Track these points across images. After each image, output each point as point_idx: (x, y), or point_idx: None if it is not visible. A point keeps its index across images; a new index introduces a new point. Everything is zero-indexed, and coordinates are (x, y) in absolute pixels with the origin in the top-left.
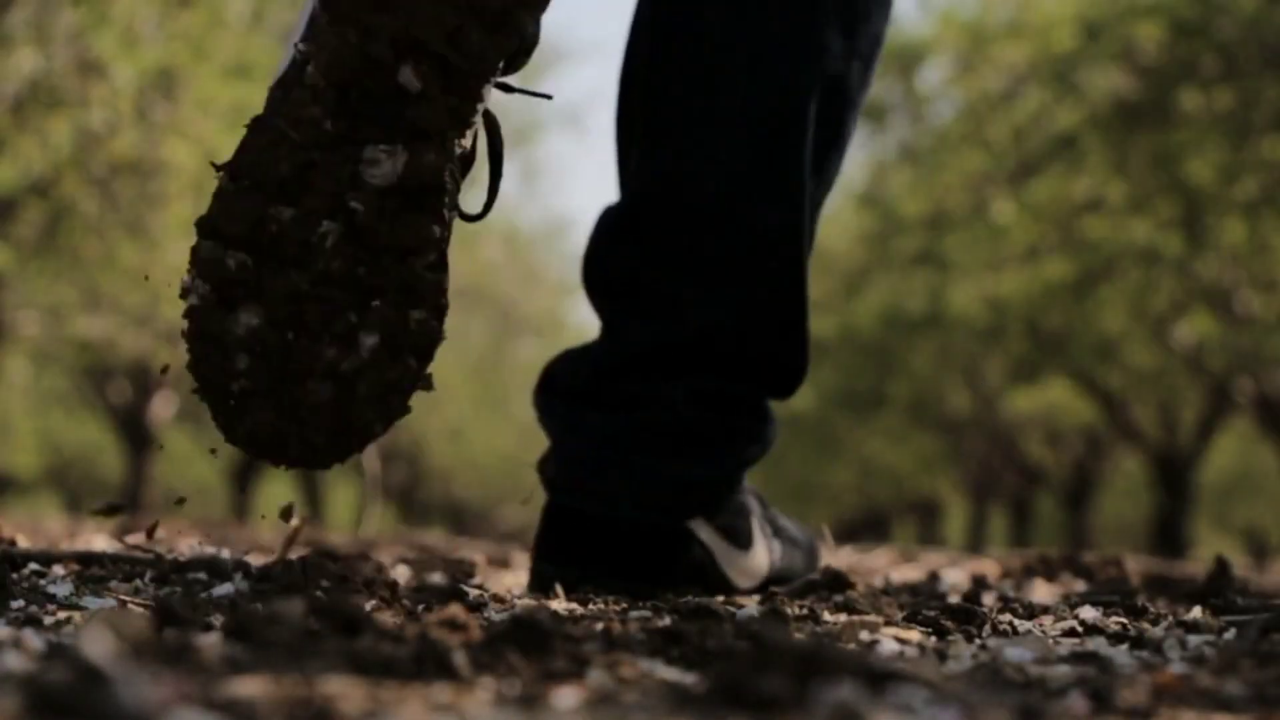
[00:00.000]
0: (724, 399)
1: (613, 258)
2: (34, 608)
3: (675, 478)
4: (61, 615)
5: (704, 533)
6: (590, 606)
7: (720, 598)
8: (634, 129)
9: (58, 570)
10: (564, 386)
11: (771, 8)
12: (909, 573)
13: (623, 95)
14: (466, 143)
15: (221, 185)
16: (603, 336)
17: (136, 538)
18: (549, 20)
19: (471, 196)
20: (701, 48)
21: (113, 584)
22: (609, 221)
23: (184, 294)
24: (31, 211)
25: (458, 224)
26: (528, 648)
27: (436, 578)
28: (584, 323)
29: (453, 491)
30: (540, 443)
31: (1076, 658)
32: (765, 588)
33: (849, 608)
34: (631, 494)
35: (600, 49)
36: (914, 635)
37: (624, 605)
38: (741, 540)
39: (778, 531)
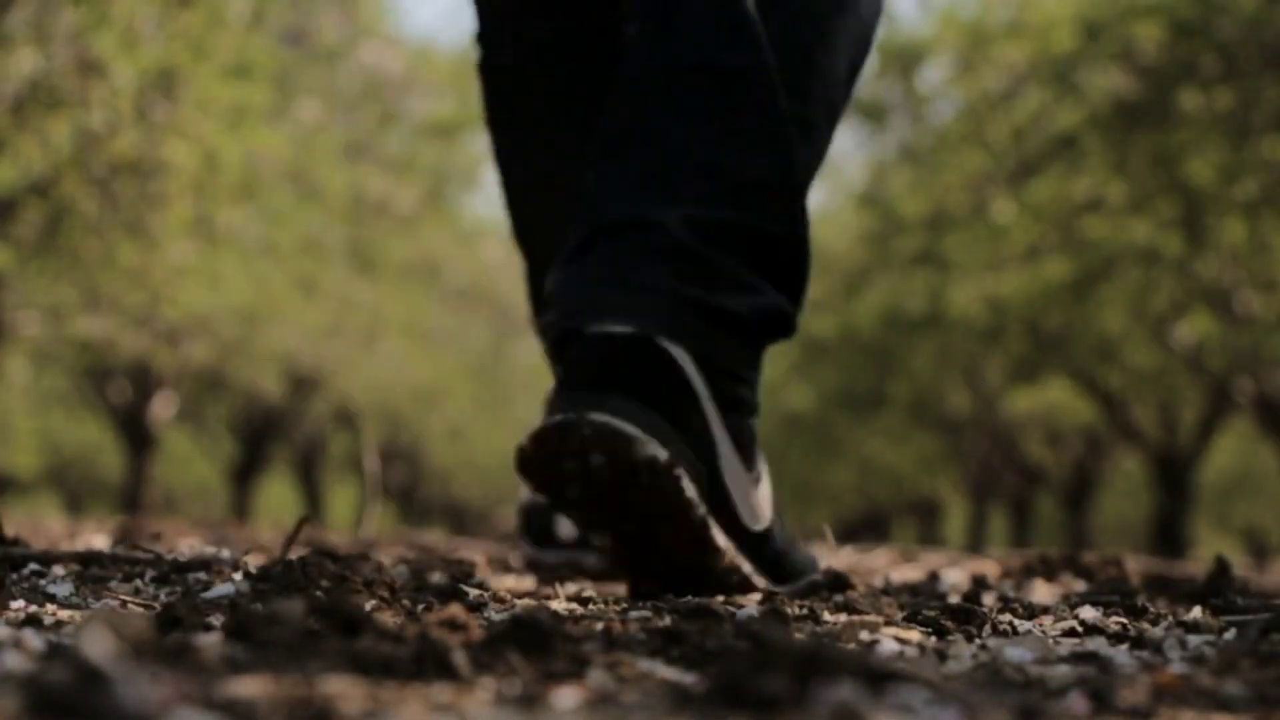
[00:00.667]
0: (720, 227)
1: (606, 112)
2: (34, 608)
3: (674, 292)
4: (61, 615)
5: (709, 409)
6: (590, 606)
7: (720, 598)
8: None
9: (58, 570)
10: (563, 252)
11: None
12: (909, 573)
13: None
14: None
15: None
16: (589, 193)
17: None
18: None
19: (472, 196)
20: None
21: (113, 584)
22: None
23: None
24: (31, 211)
25: (457, 225)
26: (528, 648)
27: (436, 578)
28: None
29: (453, 491)
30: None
31: (1076, 658)
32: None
33: (849, 608)
34: (629, 307)
35: None
36: (914, 635)
37: (624, 605)
38: (748, 455)
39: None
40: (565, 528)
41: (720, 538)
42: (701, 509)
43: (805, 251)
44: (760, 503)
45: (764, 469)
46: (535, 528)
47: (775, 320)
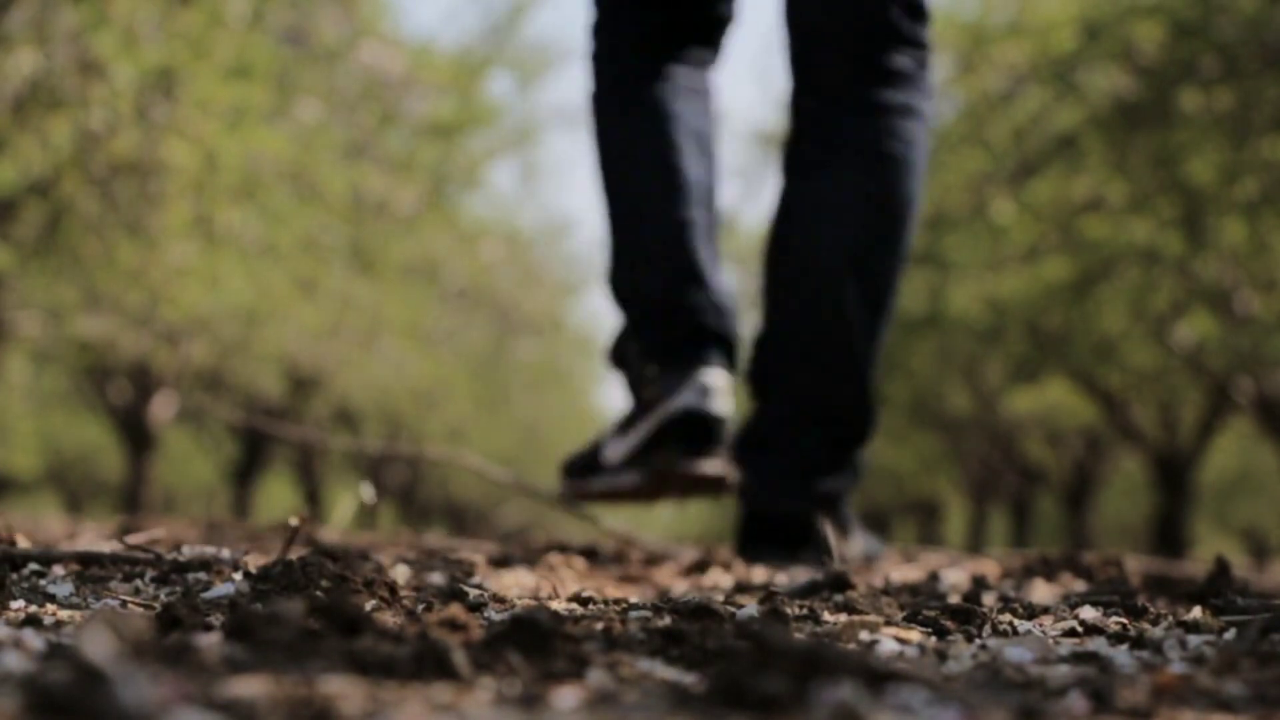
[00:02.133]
0: (834, 445)
1: (761, 363)
2: (34, 608)
3: (815, 491)
4: (61, 615)
5: (826, 526)
6: (590, 607)
7: (720, 598)
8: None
9: (58, 570)
10: (745, 438)
11: (840, 224)
12: (909, 573)
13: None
14: None
15: None
16: (761, 407)
17: (137, 538)
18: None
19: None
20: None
21: (113, 584)
22: (759, 342)
23: None
24: (31, 211)
25: (457, 225)
26: (528, 648)
27: (436, 578)
28: (583, 323)
29: (453, 491)
30: (538, 442)
31: (1076, 658)
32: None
33: (849, 608)
34: (790, 497)
35: None
36: (914, 635)
37: (624, 605)
38: (847, 531)
39: (863, 530)
40: (610, 453)
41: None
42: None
43: (873, 428)
44: (854, 546)
45: (856, 528)
46: (578, 466)
47: (860, 471)
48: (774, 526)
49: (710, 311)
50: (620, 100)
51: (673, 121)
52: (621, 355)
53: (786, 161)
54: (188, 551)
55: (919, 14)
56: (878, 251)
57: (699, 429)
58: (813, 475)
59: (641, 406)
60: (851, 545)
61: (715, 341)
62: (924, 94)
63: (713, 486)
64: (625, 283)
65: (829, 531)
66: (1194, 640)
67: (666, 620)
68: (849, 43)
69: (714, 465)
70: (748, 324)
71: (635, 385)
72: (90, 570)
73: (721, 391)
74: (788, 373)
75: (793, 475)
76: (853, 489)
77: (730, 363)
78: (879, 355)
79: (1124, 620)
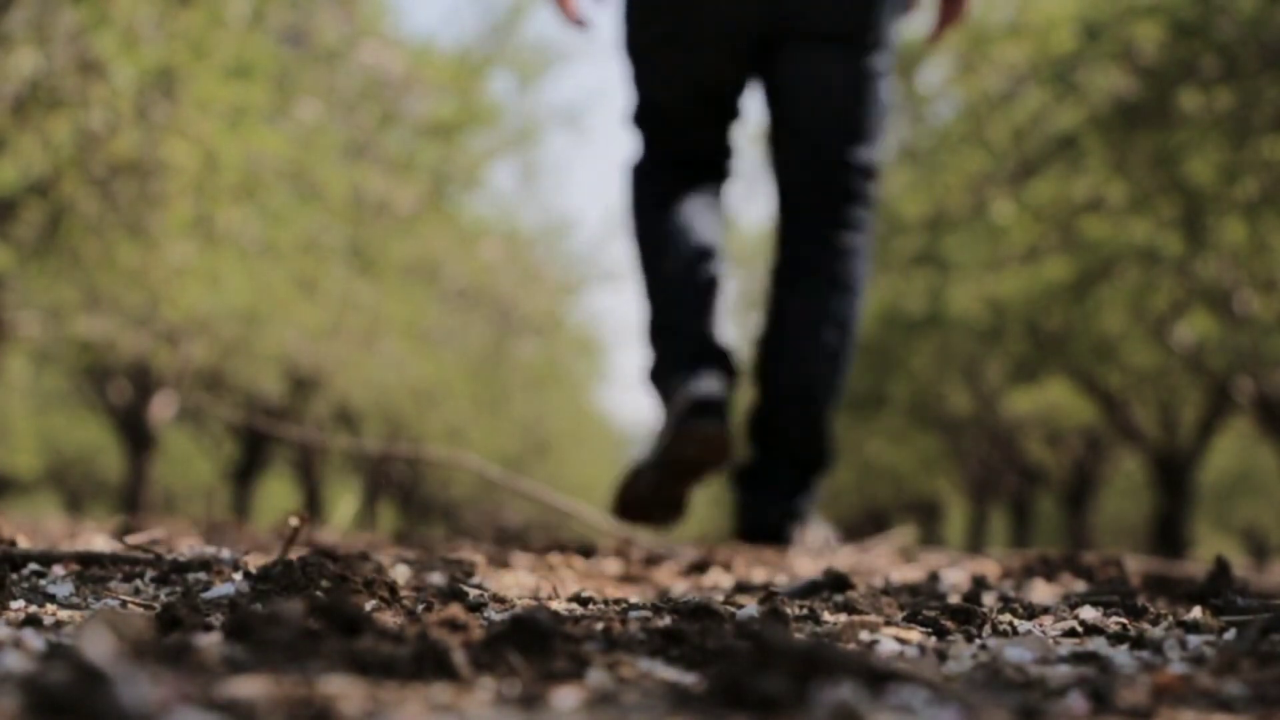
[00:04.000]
0: (803, 478)
1: (757, 422)
2: (34, 608)
3: (789, 511)
4: (61, 615)
5: (795, 528)
6: (590, 607)
7: (720, 598)
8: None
9: (58, 570)
10: (745, 473)
11: (822, 330)
12: (909, 573)
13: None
14: None
15: None
16: (756, 454)
17: (137, 538)
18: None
19: (473, 196)
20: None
21: (113, 584)
22: (757, 407)
23: None
24: (31, 211)
25: (457, 225)
26: (528, 648)
27: (436, 578)
28: (583, 323)
29: (453, 491)
30: (536, 441)
31: (1076, 658)
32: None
33: (849, 608)
34: (773, 512)
35: (601, 49)
36: (914, 635)
37: (624, 605)
38: (808, 529)
39: (823, 526)
40: (645, 454)
41: None
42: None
43: (831, 465)
44: (814, 535)
45: (818, 522)
46: (622, 487)
47: (819, 491)
48: (763, 530)
49: (714, 339)
50: (655, 207)
51: (692, 222)
52: (656, 376)
53: (775, 277)
54: (188, 551)
55: (873, 175)
56: (835, 354)
57: (704, 405)
58: (788, 498)
59: (669, 406)
60: (813, 538)
61: (717, 358)
62: (870, 235)
63: (716, 453)
64: (659, 323)
65: (797, 531)
66: (1194, 640)
67: (666, 620)
68: (821, 200)
69: (711, 389)
70: (749, 323)
71: (666, 393)
72: (90, 570)
73: (719, 386)
74: (774, 431)
75: (775, 498)
76: (816, 501)
77: (729, 373)
78: (834, 418)
79: (1124, 620)
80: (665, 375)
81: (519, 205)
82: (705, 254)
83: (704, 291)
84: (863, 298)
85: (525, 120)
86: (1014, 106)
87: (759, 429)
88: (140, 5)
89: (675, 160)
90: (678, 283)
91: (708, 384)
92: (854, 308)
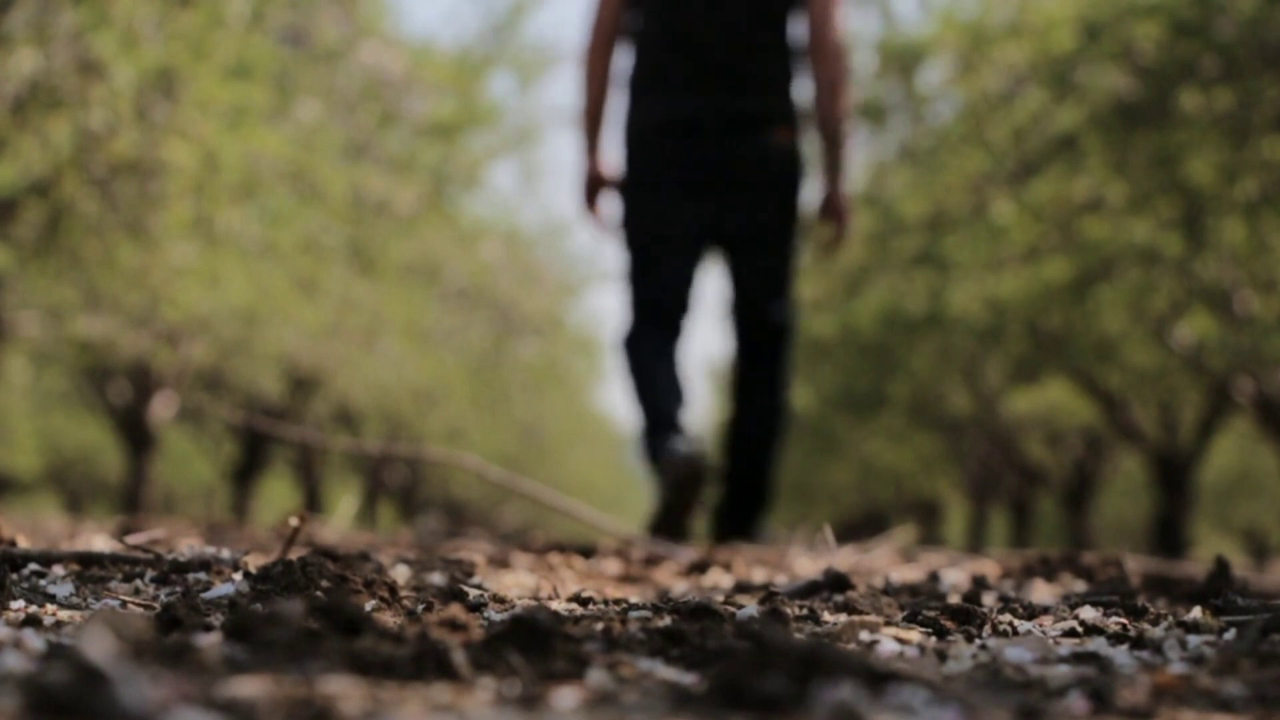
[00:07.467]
0: (755, 498)
1: (724, 470)
2: (34, 608)
3: (745, 529)
4: (61, 615)
5: (751, 530)
6: (590, 607)
7: (720, 598)
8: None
9: (58, 570)
10: (717, 506)
11: (764, 388)
12: (909, 573)
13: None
14: None
15: None
16: (724, 493)
17: (137, 538)
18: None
19: (473, 196)
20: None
21: (113, 584)
22: (724, 466)
23: None
24: (31, 211)
25: (457, 225)
26: (528, 648)
27: (436, 578)
28: (583, 323)
29: (452, 491)
30: (538, 442)
31: (1076, 658)
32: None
33: (849, 608)
34: (733, 531)
35: None
36: (914, 635)
37: (624, 605)
38: (759, 541)
39: (769, 537)
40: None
41: None
42: None
43: (773, 502)
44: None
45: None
46: (648, 528)
47: (767, 517)
48: (729, 535)
49: (685, 423)
50: (640, 351)
51: (665, 360)
52: (647, 452)
53: (734, 375)
54: (188, 551)
55: (792, 308)
56: (775, 428)
57: (686, 446)
58: (744, 522)
59: (660, 470)
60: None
61: (685, 433)
62: (792, 344)
63: (695, 476)
64: (650, 419)
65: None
66: (1194, 640)
67: (666, 620)
68: (761, 329)
69: (690, 444)
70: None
71: (656, 463)
72: (90, 570)
73: (695, 444)
74: (735, 478)
75: (735, 523)
76: (764, 523)
77: (691, 440)
78: (776, 470)
79: (1124, 620)
80: (656, 447)
81: (519, 205)
82: (676, 384)
83: (679, 402)
84: (790, 391)
85: (525, 120)
86: (1014, 106)
87: (726, 475)
88: (140, 6)
89: (653, 327)
90: (662, 397)
91: (687, 442)
92: (786, 399)
